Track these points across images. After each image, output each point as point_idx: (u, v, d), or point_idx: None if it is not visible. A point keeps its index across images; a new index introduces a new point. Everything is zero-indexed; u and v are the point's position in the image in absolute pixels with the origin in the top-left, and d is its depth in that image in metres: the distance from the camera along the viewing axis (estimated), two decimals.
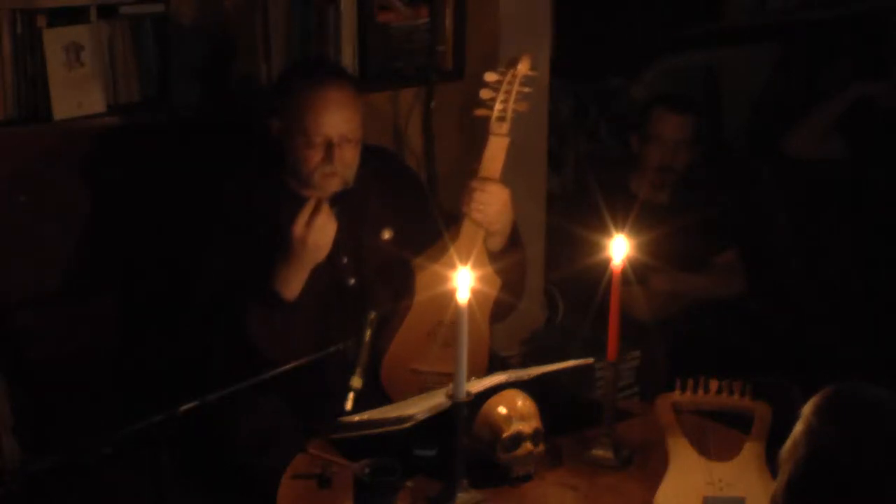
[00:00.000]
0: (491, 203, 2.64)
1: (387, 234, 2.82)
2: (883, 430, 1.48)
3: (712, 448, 2.35)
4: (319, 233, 2.59)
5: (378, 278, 2.79)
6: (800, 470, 1.51)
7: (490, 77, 2.62)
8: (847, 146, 3.98)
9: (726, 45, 4.50)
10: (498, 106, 2.60)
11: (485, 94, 2.61)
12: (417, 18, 3.40)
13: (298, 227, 2.58)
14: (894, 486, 1.45)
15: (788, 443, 1.54)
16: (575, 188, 4.18)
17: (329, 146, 2.67)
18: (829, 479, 1.49)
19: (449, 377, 2.24)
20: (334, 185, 2.72)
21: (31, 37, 2.85)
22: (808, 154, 3.97)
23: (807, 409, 1.53)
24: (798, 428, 1.53)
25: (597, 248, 2.83)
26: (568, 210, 3.81)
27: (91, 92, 2.94)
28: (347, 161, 2.71)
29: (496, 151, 2.63)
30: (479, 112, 2.62)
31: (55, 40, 2.86)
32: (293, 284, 2.62)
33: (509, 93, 2.60)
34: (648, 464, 2.36)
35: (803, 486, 1.51)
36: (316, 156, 2.68)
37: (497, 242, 2.73)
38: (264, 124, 2.75)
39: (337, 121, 2.67)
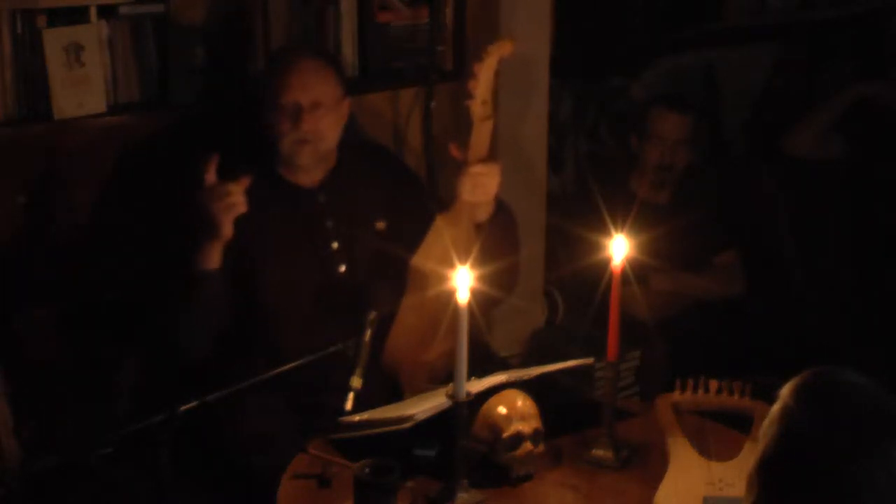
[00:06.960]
0: (492, 184, 2.66)
1: (379, 225, 2.82)
2: (852, 414, 1.51)
3: (712, 448, 2.35)
4: (220, 202, 2.53)
5: (372, 269, 2.78)
6: (772, 448, 1.53)
7: (475, 67, 2.63)
8: (847, 146, 3.98)
9: (726, 45, 4.50)
10: (480, 90, 2.61)
11: (471, 84, 2.63)
12: (417, 18, 3.40)
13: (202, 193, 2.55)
14: (859, 470, 1.47)
15: (766, 421, 1.57)
16: (575, 188, 4.18)
17: (298, 111, 2.67)
18: (799, 459, 1.52)
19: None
20: (306, 156, 2.72)
21: (31, 37, 2.85)
22: (808, 154, 3.97)
23: (785, 389, 1.56)
24: (775, 407, 1.56)
25: (597, 248, 2.83)
26: (568, 210, 3.81)
27: (91, 92, 2.94)
28: (320, 130, 2.70)
29: (484, 134, 2.64)
30: (467, 102, 2.64)
31: (55, 40, 2.86)
32: (202, 253, 2.58)
33: (488, 76, 2.60)
34: (648, 464, 2.36)
35: (775, 463, 1.53)
36: (285, 122, 2.68)
37: (485, 211, 2.72)
38: (256, 118, 2.75)
39: (305, 85, 2.68)
